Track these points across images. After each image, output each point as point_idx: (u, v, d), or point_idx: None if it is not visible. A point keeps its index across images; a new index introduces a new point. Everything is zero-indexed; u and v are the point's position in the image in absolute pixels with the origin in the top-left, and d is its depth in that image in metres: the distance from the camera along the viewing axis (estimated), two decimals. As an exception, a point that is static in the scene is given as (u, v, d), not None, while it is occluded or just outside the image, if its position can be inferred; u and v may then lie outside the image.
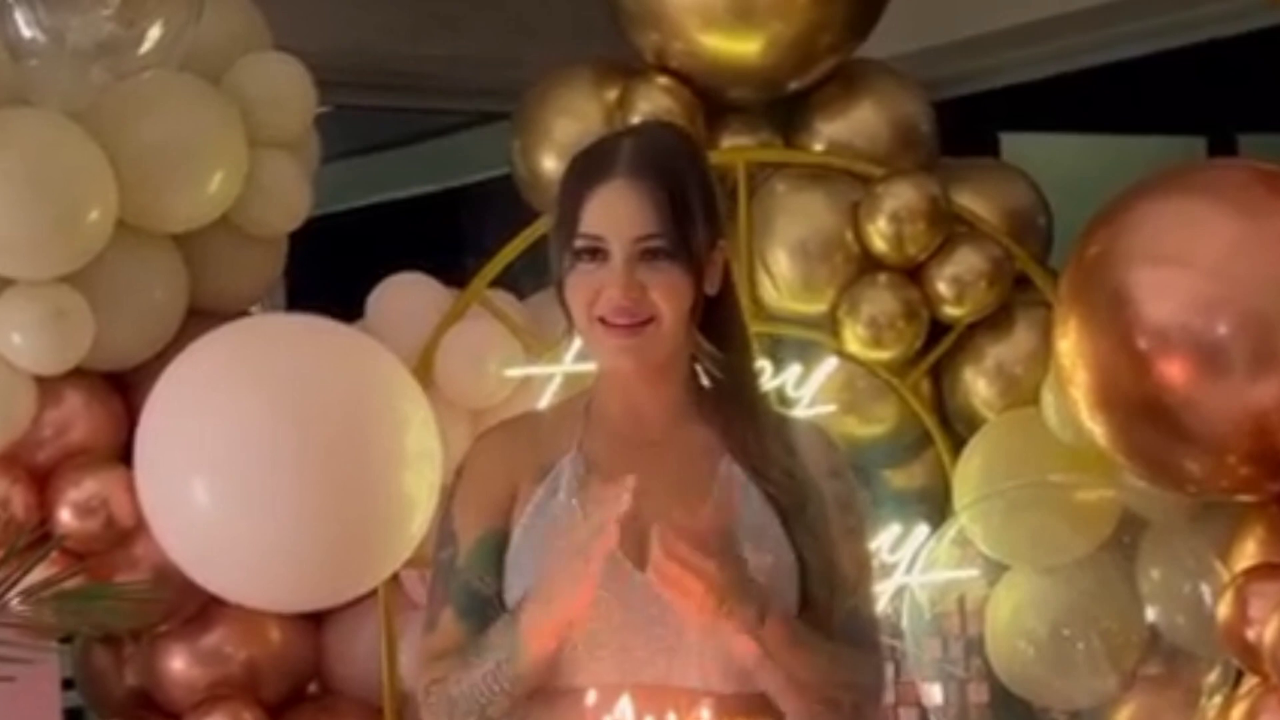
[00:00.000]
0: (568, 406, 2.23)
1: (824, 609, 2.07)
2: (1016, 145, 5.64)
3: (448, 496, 2.20)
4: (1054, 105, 5.50)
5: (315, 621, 3.75)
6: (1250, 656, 2.96)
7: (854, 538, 2.14)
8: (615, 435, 2.12)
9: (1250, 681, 3.02)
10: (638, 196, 2.01)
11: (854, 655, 2.09)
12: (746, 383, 2.16)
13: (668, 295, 2.02)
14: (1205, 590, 3.30)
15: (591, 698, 1.93)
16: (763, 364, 3.56)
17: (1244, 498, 3.15)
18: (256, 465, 3.27)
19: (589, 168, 2.07)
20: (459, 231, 6.57)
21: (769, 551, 2.05)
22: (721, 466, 2.09)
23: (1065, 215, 4.01)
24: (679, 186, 2.04)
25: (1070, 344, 3.21)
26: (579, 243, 2.03)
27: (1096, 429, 3.21)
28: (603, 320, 2.03)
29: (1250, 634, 2.94)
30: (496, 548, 2.11)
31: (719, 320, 2.13)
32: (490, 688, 2.03)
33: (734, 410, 2.12)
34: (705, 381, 2.16)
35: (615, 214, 2.02)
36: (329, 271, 4.78)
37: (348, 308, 3.73)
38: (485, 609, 2.09)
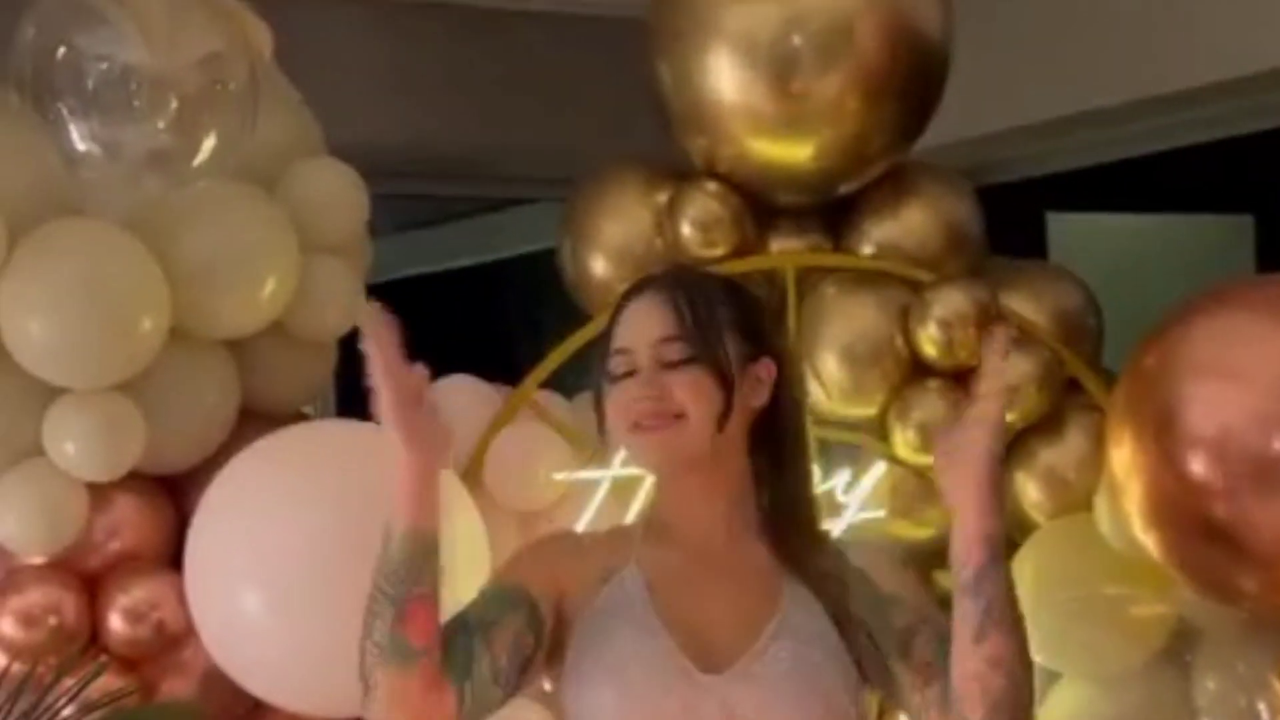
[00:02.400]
0: (621, 530, 2.29)
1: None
2: (1063, 226, 5.64)
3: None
4: (1099, 187, 5.50)
5: (363, 723, 3.74)
6: (1309, 780, 2.94)
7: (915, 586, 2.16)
8: (673, 552, 2.15)
9: (1308, 805, 2.99)
10: (660, 306, 2.12)
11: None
12: (796, 502, 2.18)
13: (691, 394, 2.08)
14: (1261, 706, 3.27)
15: None
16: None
17: (1300, 614, 3.12)
18: (306, 572, 3.26)
19: (627, 292, 2.19)
20: (495, 305, 6.60)
21: (835, 659, 2.08)
22: (787, 586, 2.11)
23: (1111, 294, 4.00)
24: (703, 298, 2.13)
25: (1124, 456, 3.19)
26: (612, 363, 2.12)
27: (1150, 542, 3.19)
28: (637, 425, 2.10)
29: (1309, 757, 2.92)
30: (508, 595, 2.11)
31: (769, 439, 2.17)
32: (384, 579, 2.00)
33: (785, 529, 2.14)
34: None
35: (641, 325, 2.12)
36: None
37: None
38: (455, 623, 2.07)
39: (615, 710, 2.05)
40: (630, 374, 2.10)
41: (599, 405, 2.14)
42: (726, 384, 2.09)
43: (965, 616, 1.99)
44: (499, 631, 2.07)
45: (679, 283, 2.16)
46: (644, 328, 2.11)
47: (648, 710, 2.03)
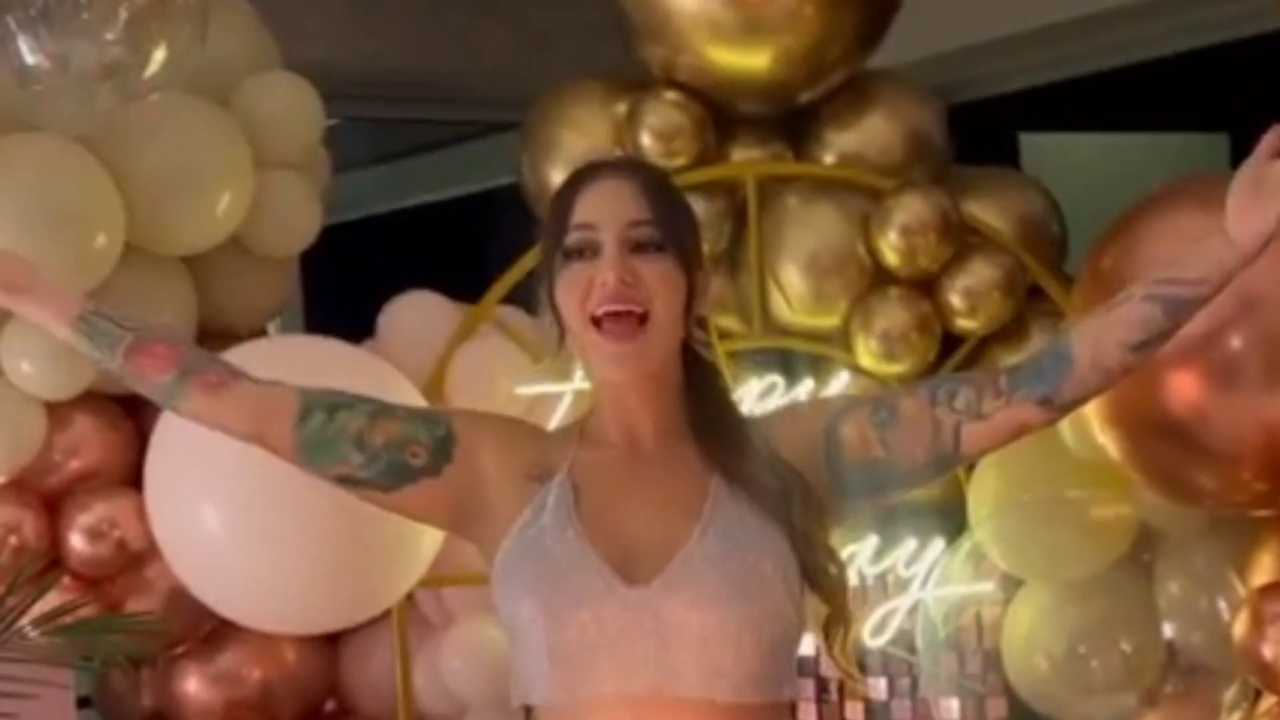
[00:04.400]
0: (573, 425, 2.20)
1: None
2: (1037, 146, 5.60)
3: None
4: (1074, 105, 5.46)
5: (330, 641, 3.74)
6: (1266, 675, 2.94)
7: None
8: (608, 452, 2.09)
9: (1268, 700, 2.99)
10: (629, 187, 2.01)
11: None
12: (720, 400, 2.12)
13: (662, 285, 1.98)
14: (1222, 605, 3.27)
15: (597, 717, 1.96)
16: (774, 380, 3.56)
17: (1259, 512, 3.11)
18: (267, 488, 3.26)
19: (579, 175, 2.07)
20: (469, 240, 6.55)
21: (769, 555, 2.01)
22: (712, 483, 2.04)
23: (1087, 215, 3.97)
24: (667, 188, 2.05)
25: (1083, 358, 3.17)
26: (570, 237, 1.99)
27: (1110, 444, 3.18)
28: (596, 321, 1.99)
29: (1266, 652, 2.92)
30: (431, 415, 2.10)
31: (695, 342, 2.11)
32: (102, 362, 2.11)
33: (708, 427, 2.09)
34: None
35: (607, 202, 2.00)
36: (342, 280, 4.77)
37: (361, 315, 3.72)
38: (339, 405, 2.07)
39: (544, 630, 1.99)
40: (591, 252, 1.98)
41: (552, 296, 2.02)
42: (691, 282, 2.01)
43: (1174, 300, 1.95)
44: (390, 421, 2.05)
45: (642, 168, 2.08)
46: (613, 207, 1.98)
47: (577, 631, 1.98)
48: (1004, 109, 5.22)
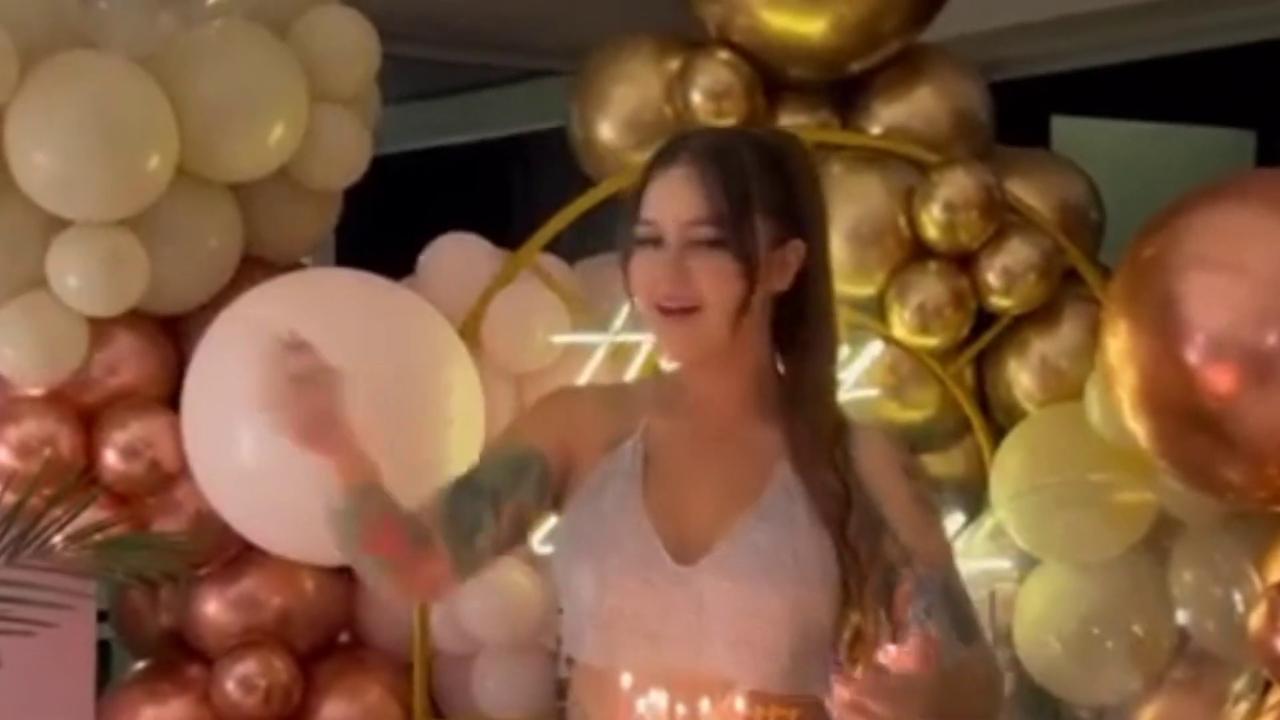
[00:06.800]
0: (648, 386, 2.27)
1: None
2: (1066, 129, 5.63)
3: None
4: (1106, 92, 5.48)
5: (349, 573, 3.76)
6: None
7: (932, 530, 2.12)
8: (682, 423, 2.14)
9: (1278, 692, 3.04)
10: (692, 184, 2.06)
11: (971, 665, 2.03)
12: (812, 385, 2.13)
13: (713, 283, 2.04)
14: (1236, 597, 3.32)
15: (626, 681, 1.97)
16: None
17: (1281, 508, 3.16)
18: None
19: (660, 155, 2.13)
20: (505, 181, 6.56)
21: (815, 554, 2.05)
22: (777, 470, 2.10)
23: (1111, 201, 4.02)
24: (739, 177, 2.07)
25: (1119, 345, 3.22)
26: (639, 229, 2.09)
27: (1139, 430, 3.23)
28: (658, 307, 2.07)
29: (1281, 646, 2.96)
30: (520, 460, 2.13)
31: (793, 320, 2.13)
32: (338, 521, 2.12)
33: (795, 412, 2.12)
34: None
35: (670, 200, 2.07)
36: (375, 209, 4.76)
37: (389, 252, 3.75)
38: (467, 486, 2.11)
39: (593, 596, 2.07)
40: (655, 241, 2.06)
41: (625, 263, 2.12)
42: (750, 272, 2.04)
43: None
44: (508, 504, 2.11)
45: (714, 155, 2.09)
46: (673, 204, 2.06)
47: (623, 599, 2.05)
48: (1037, 91, 5.23)
